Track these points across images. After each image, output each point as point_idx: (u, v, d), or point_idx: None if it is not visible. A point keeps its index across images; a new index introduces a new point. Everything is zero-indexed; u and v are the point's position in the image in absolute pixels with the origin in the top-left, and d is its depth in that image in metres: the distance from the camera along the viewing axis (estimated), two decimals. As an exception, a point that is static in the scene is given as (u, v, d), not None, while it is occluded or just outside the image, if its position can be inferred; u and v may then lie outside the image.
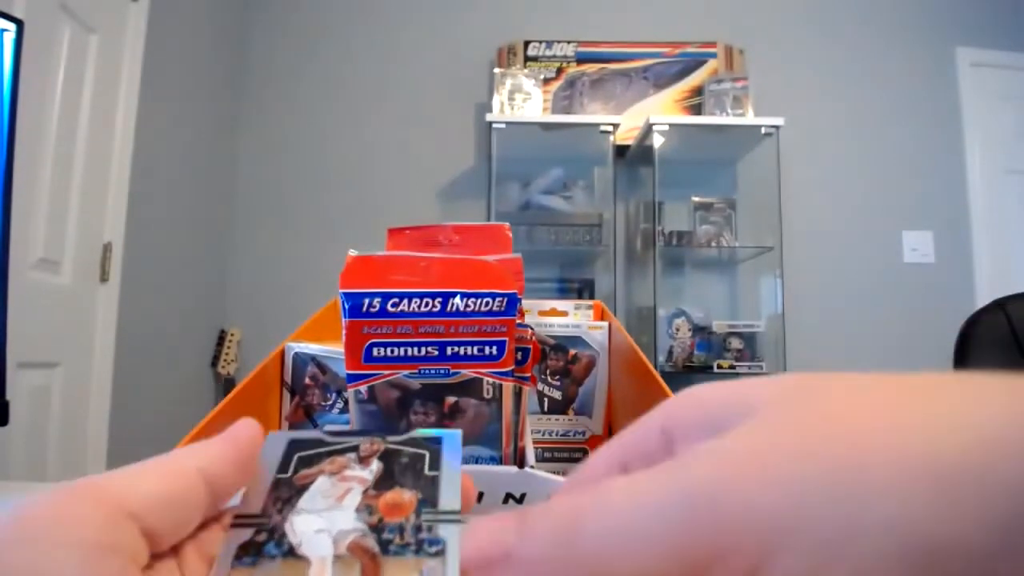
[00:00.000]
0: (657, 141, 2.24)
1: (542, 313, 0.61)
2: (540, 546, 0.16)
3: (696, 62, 2.52)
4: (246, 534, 0.19)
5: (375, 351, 0.33)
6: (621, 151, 2.40)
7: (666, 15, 2.60)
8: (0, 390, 0.74)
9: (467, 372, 0.33)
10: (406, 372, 0.33)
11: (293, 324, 0.55)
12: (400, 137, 2.56)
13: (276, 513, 0.20)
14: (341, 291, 0.33)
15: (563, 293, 2.43)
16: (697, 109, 2.46)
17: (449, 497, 0.20)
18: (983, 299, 2.28)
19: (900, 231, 2.52)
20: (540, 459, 0.55)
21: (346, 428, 0.22)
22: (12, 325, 0.76)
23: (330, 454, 0.22)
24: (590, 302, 0.64)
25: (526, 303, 0.54)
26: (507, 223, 0.45)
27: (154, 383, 1.99)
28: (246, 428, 0.21)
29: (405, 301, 0.32)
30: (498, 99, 2.34)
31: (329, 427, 0.22)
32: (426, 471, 0.21)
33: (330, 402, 0.48)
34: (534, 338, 0.38)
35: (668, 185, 2.25)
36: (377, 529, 0.19)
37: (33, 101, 1.46)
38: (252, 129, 2.58)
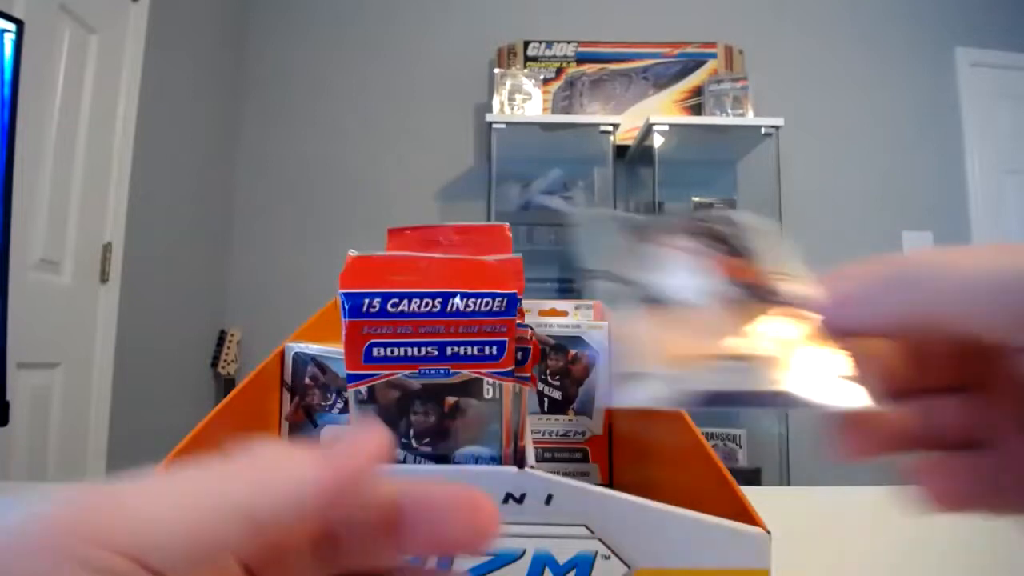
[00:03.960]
0: (657, 141, 2.24)
1: (542, 313, 0.61)
2: (881, 285, 0.18)
3: (696, 62, 2.52)
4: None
5: (375, 351, 0.33)
6: (621, 151, 2.40)
7: (666, 15, 2.60)
8: (0, 390, 0.74)
9: (467, 372, 0.33)
10: (406, 372, 0.33)
11: (293, 324, 0.55)
12: (400, 137, 2.56)
13: (630, 273, 0.21)
14: (341, 291, 0.33)
15: (563, 293, 2.43)
16: (697, 109, 2.46)
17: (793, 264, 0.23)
18: (983, 299, 2.28)
19: (900, 231, 2.52)
20: (540, 459, 0.55)
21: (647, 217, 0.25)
22: (12, 325, 0.76)
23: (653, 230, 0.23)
24: (590, 302, 0.64)
25: (526, 303, 0.54)
26: (507, 223, 0.45)
27: (154, 383, 1.99)
28: (364, 454, 0.16)
29: (405, 301, 0.32)
30: (498, 99, 2.34)
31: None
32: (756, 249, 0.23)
33: (330, 402, 0.48)
34: (534, 338, 0.38)
35: (668, 185, 2.25)
36: (735, 285, 0.21)
37: (33, 101, 1.45)
38: (252, 129, 2.58)
